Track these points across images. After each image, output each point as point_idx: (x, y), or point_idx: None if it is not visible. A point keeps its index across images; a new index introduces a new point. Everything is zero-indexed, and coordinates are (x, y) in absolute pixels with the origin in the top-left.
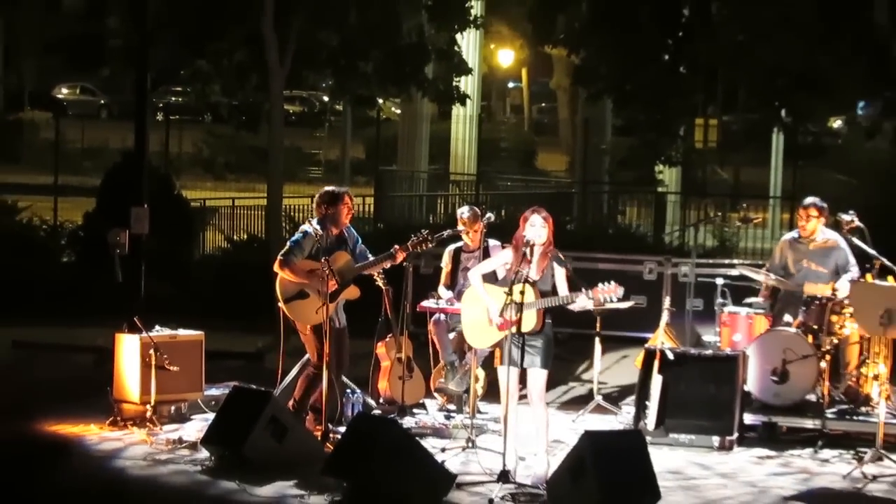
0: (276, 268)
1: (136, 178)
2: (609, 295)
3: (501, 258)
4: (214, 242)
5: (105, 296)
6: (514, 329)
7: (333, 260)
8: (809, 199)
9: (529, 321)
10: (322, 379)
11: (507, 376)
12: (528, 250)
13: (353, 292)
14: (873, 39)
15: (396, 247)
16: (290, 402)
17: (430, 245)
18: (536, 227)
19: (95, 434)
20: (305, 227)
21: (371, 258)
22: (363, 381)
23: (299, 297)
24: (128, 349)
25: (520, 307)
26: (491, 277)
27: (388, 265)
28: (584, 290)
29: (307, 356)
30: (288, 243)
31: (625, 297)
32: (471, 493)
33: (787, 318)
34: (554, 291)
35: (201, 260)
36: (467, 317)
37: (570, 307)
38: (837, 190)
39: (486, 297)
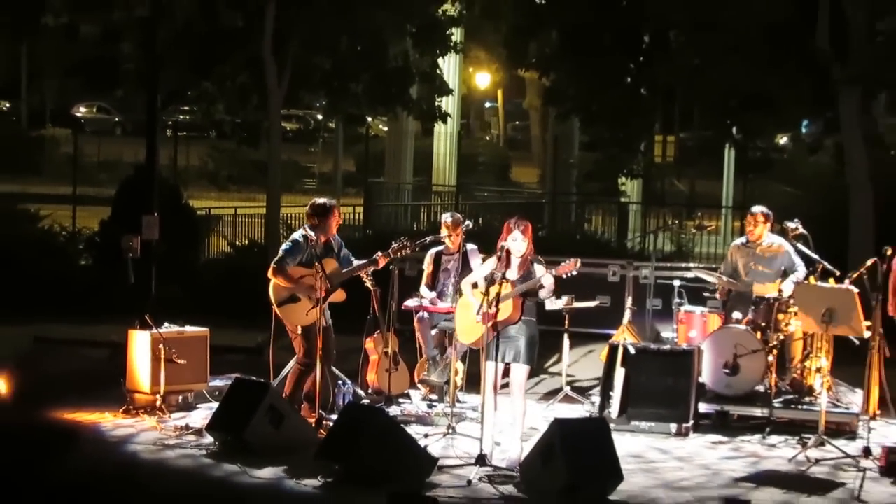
0: (269, 274)
1: (147, 189)
2: (569, 270)
3: (488, 267)
4: (218, 247)
5: (119, 296)
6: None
7: (323, 266)
8: (756, 207)
9: (506, 310)
10: (308, 373)
11: (488, 369)
12: (504, 255)
13: (339, 295)
14: (816, 64)
15: (379, 253)
16: (283, 396)
17: (409, 251)
18: (518, 242)
19: (110, 421)
20: (297, 235)
21: (354, 262)
22: (353, 373)
23: (291, 300)
24: (139, 344)
25: (496, 300)
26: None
27: (370, 270)
28: (546, 270)
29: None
30: (280, 251)
31: (590, 298)
32: (451, 475)
33: (738, 316)
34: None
35: (206, 263)
36: (459, 321)
37: (547, 307)
38: (783, 200)
39: (473, 300)
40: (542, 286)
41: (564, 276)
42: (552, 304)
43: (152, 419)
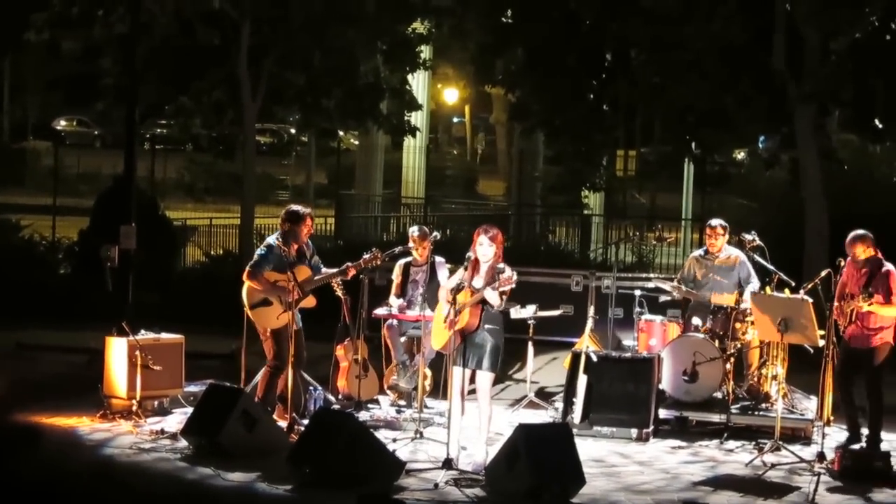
0: (244, 277)
1: (125, 200)
2: (506, 285)
3: (459, 275)
4: (194, 257)
5: (97, 303)
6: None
7: (296, 273)
8: (716, 220)
9: (464, 319)
10: (278, 374)
11: (453, 375)
12: (471, 264)
13: (310, 301)
14: (772, 82)
15: (348, 264)
16: (256, 400)
17: (378, 262)
18: (484, 247)
19: (87, 425)
20: (270, 240)
21: (324, 270)
22: (324, 379)
23: (263, 304)
24: (116, 350)
25: (458, 308)
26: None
27: (335, 283)
28: (489, 285)
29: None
30: (255, 256)
31: (554, 307)
32: (419, 479)
33: (697, 324)
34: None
35: (182, 272)
36: (434, 327)
37: (513, 316)
38: (740, 213)
39: (444, 306)
40: (482, 293)
41: (506, 288)
42: (517, 313)
43: (128, 423)
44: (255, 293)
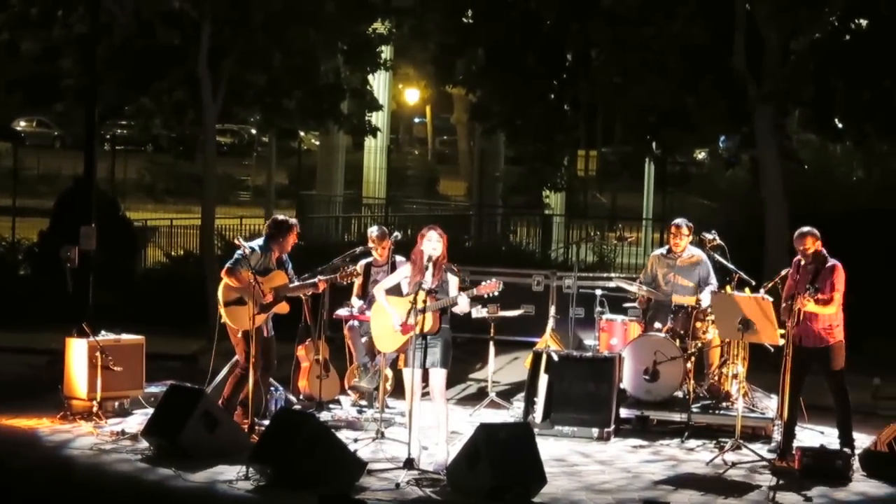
0: (222, 274)
1: (86, 201)
2: (491, 290)
3: (401, 273)
4: (155, 258)
5: (57, 304)
6: (417, 331)
7: (272, 278)
8: (681, 220)
9: (427, 323)
10: (247, 379)
11: (411, 376)
12: (429, 264)
13: (282, 307)
14: (732, 82)
15: (319, 277)
16: (221, 400)
17: (353, 279)
18: (433, 242)
19: (47, 427)
20: (253, 243)
21: (297, 282)
22: (285, 380)
23: (237, 303)
24: (77, 351)
25: (419, 312)
26: (395, 290)
27: (311, 292)
28: (467, 290)
29: (235, 358)
30: (235, 254)
31: (515, 307)
32: (380, 479)
33: (657, 324)
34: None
35: (143, 273)
36: (376, 327)
37: (473, 316)
38: (701, 213)
39: (389, 308)
40: (455, 303)
41: (486, 296)
42: (478, 313)
43: (89, 425)
44: (231, 291)
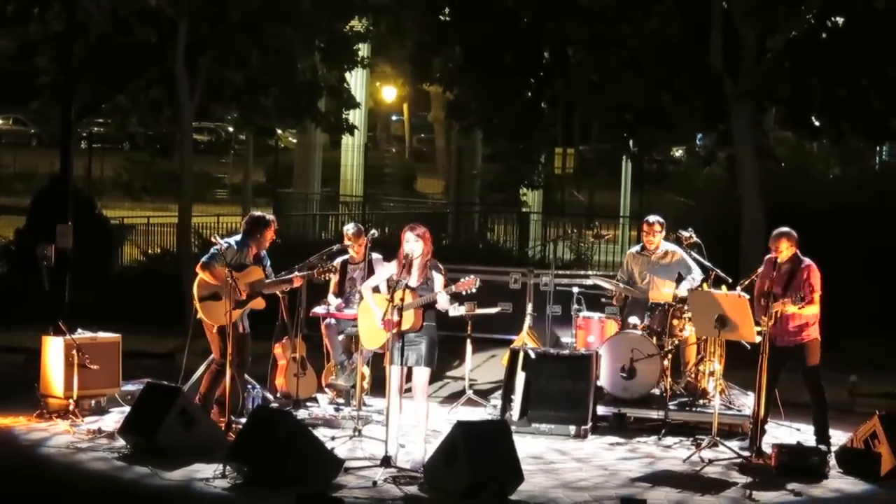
0: (197, 269)
1: (62, 199)
2: (468, 287)
3: (386, 272)
4: (131, 256)
5: (33, 302)
6: (397, 329)
7: (248, 273)
8: (653, 217)
9: (408, 320)
10: (224, 374)
11: (391, 373)
12: (406, 263)
13: (258, 303)
14: (709, 80)
15: (296, 273)
16: (197, 397)
17: (329, 276)
18: (410, 242)
19: (24, 425)
20: (230, 239)
21: (274, 278)
22: (262, 378)
23: (213, 298)
24: (53, 350)
25: (400, 309)
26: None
27: (287, 287)
28: (447, 288)
29: (212, 356)
30: (211, 250)
31: (492, 304)
32: (357, 477)
33: (634, 321)
34: None
35: (120, 271)
36: (362, 325)
37: (450, 314)
38: (678, 211)
39: (374, 306)
40: (436, 301)
41: (464, 293)
42: (455, 311)
43: (65, 423)
44: (206, 286)
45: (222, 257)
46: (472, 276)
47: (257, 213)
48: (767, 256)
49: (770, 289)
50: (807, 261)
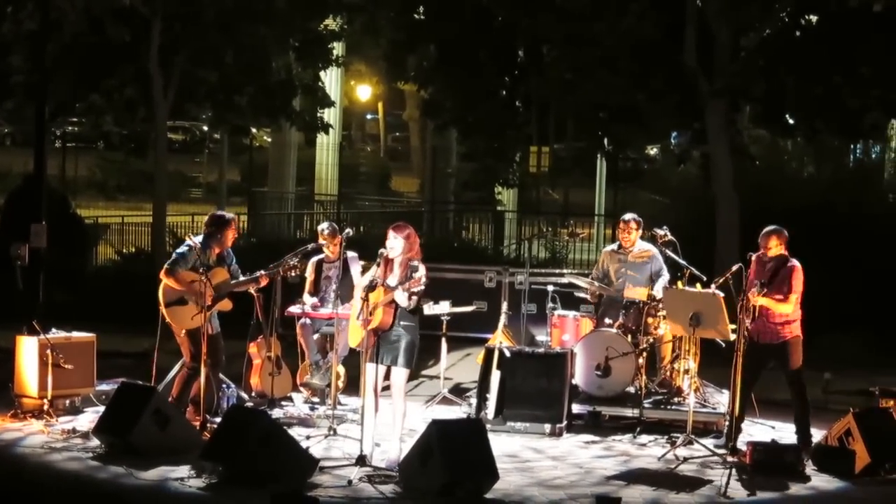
0: (161, 275)
1: (36, 198)
2: (414, 285)
3: (372, 272)
4: (106, 255)
5: (7, 302)
6: (370, 326)
7: (213, 275)
8: (629, 215)
9: (377, 318)
10: (196, 377)
11: (367, 371)
12: (383, 261)
13: (226, 304)
14: (683, 78)
15: (261, 272)
16: (170, 399)
17: (295, 273)
18: (390, 240)
19: None
20: (189, 241)
21: (241, 277)
22: (237, 377)
23: (179, 303)
24: (27, 349)
25: (371, 308)
26: None
27: (254, 286)
28: (402, 285)
29: (183, 359)
30: (174, 254)
31: (467, 303)
32: (332, 476)
33: (609, 319)
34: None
35: (94, 270)
36: (352, 324)
37: (426, 312)
38: (653, 209)
39: (358, 304)
40: (392, 294)
41: (415, 290)
42: (430, 310)
43: (40, 423)
44: (171, 292)
45: (185, 262)
46: (416, 276)
47: (218, 212)
48: (757, 254)
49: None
50: (793, 261)
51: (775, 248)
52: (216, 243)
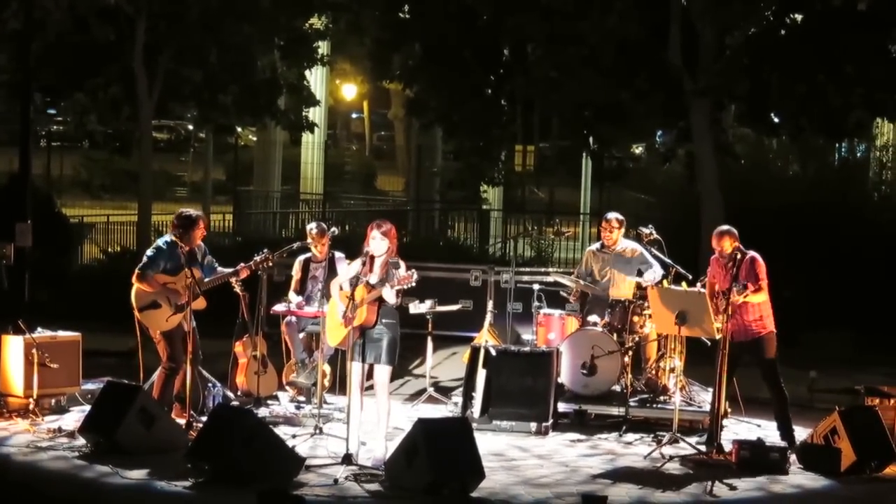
0: (133, 280)
1: (21, 198)
2: (405, 282)
3: (353, 269)
4: (91, 254)
5: None
6: (353, 324)
7: (184, 276)
8: (611, 214)
9: (361, 316)
10: (174, 375)
11: (352, 370)
12: (367, 259)
13: (200, 303)
14: (668, 77)
15: (241, 265)
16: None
17: (271, 263)
18: (376, 240)
19: None
20: (161, 242)
21: (219, 270)
22: (222, 376)
23: (152, 306)
24: (13, 349)
25: (354, 306)
26: None
27: (233, 280)
28: (390, 281)
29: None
30: (144, 258)
31: (453, 302)
32: (318, 474)
33: (594, 318)
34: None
35: (79, 269)
36: (328, 321)
37: (411, 311)
38: (638, 207)
39: (339, 303)
40: (380, 291)
41: (405, 287)
42: (416, 308)
43: (25, 422)
44: (144, 295)
45: (156, 265)
46: (409, 272)
47: (185, 211)
48: (713, 257)
49: (721, 288)
50: (750, 252)
51: (729, 245)
52: (186, 243)
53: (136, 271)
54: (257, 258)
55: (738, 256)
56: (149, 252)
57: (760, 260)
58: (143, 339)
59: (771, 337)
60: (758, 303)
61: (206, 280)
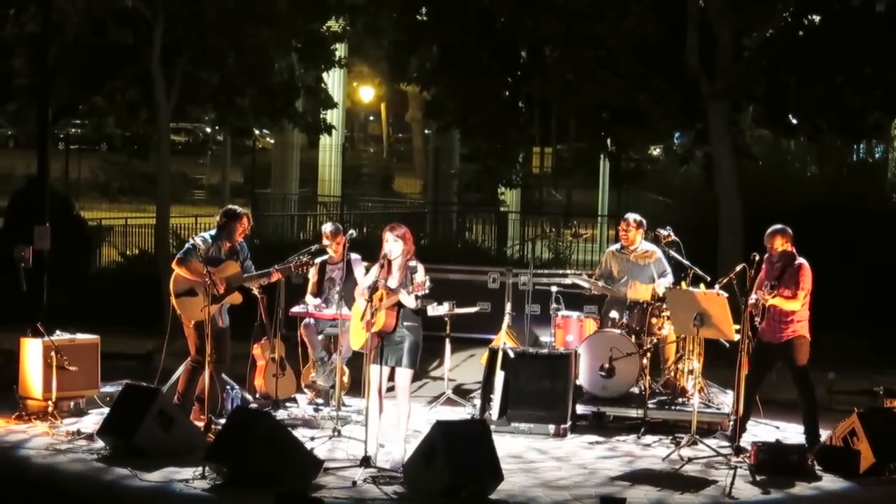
0: (173, 264)
1: (39, 201)
2: (418, 289)
3: (372, 275)
4: (109, 257)
5: (11, 304)
6: (374, 329)
7: (224, 268)
8: (630, 215)
9: (380, 321)
10: (202, 370)
11: (371, 373)
12: (385, 263)
13: (236, 298)
14: (685, 78)
15: (275, 266)
16: (176, 396)
17: (306, 269)
18: (390, 243)
19: (2, 427)
20: (204, 234)
21: (254, 272)
22: (241, 378)
23: (189, 294)
24: (31, 351)
25: (374, 311)
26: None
27: (265, 281)
28: (406, 288)
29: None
30: (186, 245)
31: (471, 304)
32: (337, 477)
33: (615, 314)
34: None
35: (97, 272)
36: (352, 325)
37: (430, 314)
38: (656, 209)
39: (361, 307)
40: (398, 296)
41: (419, 294)
42: (434, 311)
43: (44, 425)
44: (182, 282)
45: (197, 253)
46: (423, 279)
47: (231, 206)
48: (765, 256)
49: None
50: (800, 259)
51: (781, 246)
52: (226, 237)
53: (178, 256)
54: (296, 261)
55: (788, 260)
56: (190, 241)
57: (807, 269)
58: (172, 332)
59: (802, 341)
60: (791, 308)
61: (243, 276)
